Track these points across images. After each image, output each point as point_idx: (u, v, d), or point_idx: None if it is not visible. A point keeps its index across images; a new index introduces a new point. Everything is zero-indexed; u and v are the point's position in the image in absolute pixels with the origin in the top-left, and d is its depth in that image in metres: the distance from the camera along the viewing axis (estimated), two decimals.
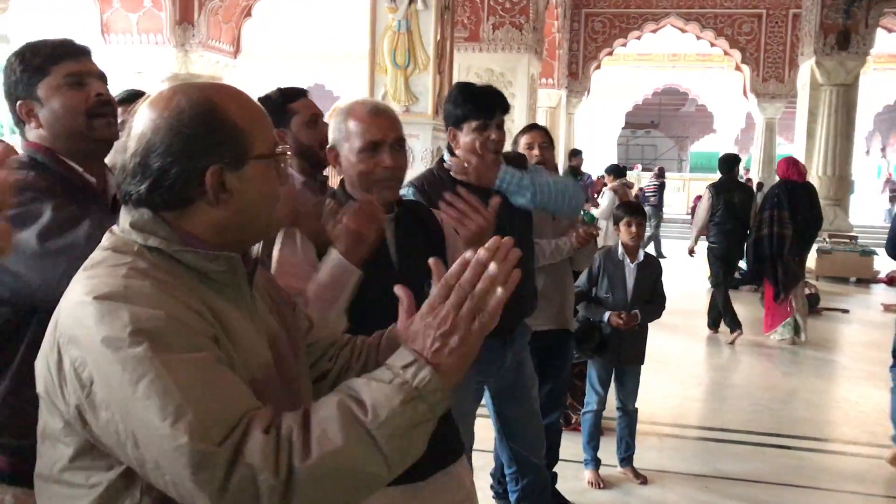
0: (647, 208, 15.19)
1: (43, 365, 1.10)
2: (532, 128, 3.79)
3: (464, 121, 2.64)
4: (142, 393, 0.98)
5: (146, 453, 0.98)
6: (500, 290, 1.06)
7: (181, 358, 1.00)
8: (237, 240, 1.19)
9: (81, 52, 1.78)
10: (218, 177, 1.13)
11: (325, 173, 2.75)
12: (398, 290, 1.21)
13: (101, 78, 1.79)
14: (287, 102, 2.57)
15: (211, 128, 1.12)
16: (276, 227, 1.24)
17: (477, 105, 2.64)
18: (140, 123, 1.13)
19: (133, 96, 2.45)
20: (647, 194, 14.88)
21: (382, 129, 1.92)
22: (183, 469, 0.96)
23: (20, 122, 1.76)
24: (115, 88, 2.35)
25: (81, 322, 1.03)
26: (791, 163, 7.23)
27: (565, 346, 3.69)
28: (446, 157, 2.71)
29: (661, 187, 15.10)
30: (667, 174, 17.96)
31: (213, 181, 1.12)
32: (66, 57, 1.73)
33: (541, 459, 3.13)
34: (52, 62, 1.72)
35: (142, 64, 10.34)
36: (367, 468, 1.00)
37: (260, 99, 2.58)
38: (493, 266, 1.06)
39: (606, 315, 3.91)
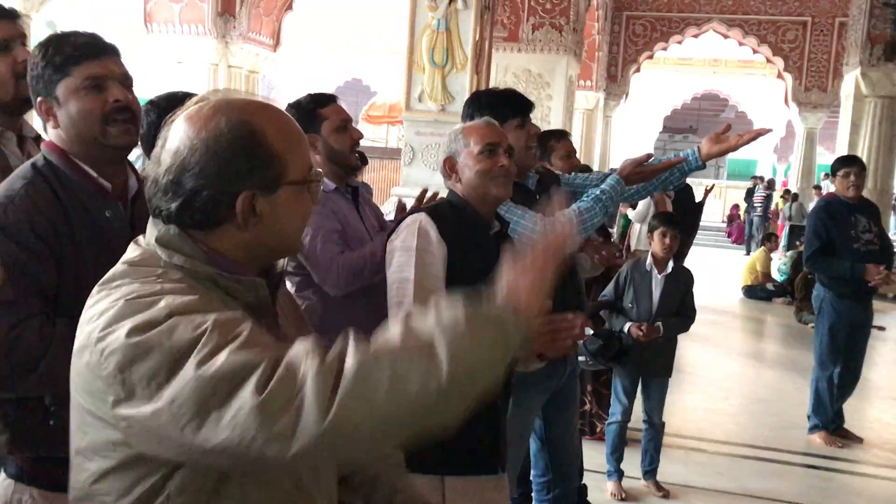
0: (754, 218, 15.40)
1: (75, 374, 1.09)
2: (565, 134, 3.75)
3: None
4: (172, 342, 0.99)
5: (187, 403, 0.96)
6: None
7: (212, 311, 1.03)
8: (263, 257, 1.19)
9: (105, 52, 1.70)
10: (249, 202, 1.12)
11: (357, 179, 2.76)
12: None
13: (124, 81, 1.72)
14: (317, 108, 2.57)
15: (247, 153, 1.11)
16: (299, 245, 1.23)
17: (498, 107, 2.70)
18: (176, 138, 1.12)
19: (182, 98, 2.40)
20: (755, 204, 15.09)
21: (497, 135, 2.21)
22: (247, 390, 0.95)
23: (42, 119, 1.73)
24: (156, 77, 2.37)
25: (115, 319, 1.03)
26: None
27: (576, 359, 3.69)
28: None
29: (768, 198, 15.46)
30: (702, 181, 17.81)
31: (244, 206, 1.12)
32: (88, 57, 1.67)
33: (576, 471, 3.19)
34: (74, 62, 1.66)
35: (182, 54, 10.44)
36: (420, 373, 0.95)
37: (290, 105, 2.58)
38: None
39: (627, 325, 3.86)
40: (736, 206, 19.67)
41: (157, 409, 0.98)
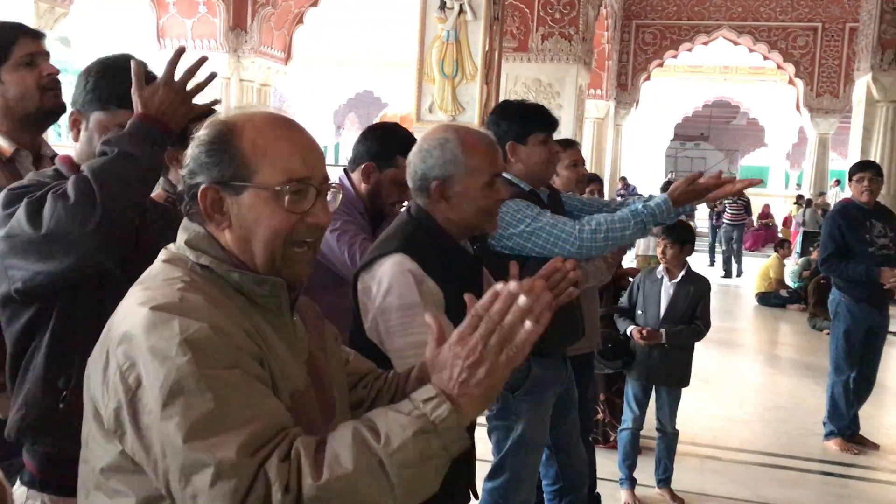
0: (722, 228, 14.64)
1: (91, 369, 1.13)
2: (572, 143, 3.72)
3: None
4: (181, 404, 1.00)
5: (172, 463, 1.00)
6: (528, 323, 1.03)
7: (223, 373, 1.03)
8: (252, 266, 1.20)
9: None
10: (213, 197, 1.17)
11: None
12: (427, 317, 1.20)
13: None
14: (400, 152, 2.38)
15: (211, 148, 1.17)
16: (291, 269, 1.21)
17: (528, 119, 2.78)
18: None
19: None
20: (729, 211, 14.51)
21: (500, 161, 1.89)
22: (205, 480, 0.98)
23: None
24: None
25: (133, 328, 1.06)
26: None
27: (590, 367, 3.71)
28: None
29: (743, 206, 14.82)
30: None
31: (206, 199, 1.16)
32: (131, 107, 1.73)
33: (586, 476, 3.18)
34: (116, 104, 1.73)
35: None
36: (374, 495, 1.00)
37: (386, 127, 2.62)
38: (522, 299, 1.04)
39: (629, 328, 3.87)
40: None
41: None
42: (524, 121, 2.73)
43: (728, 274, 13.84)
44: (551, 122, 2.78)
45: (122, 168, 1.56)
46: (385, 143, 2.52)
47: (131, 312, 1.08)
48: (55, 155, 2.12)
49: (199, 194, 1.16)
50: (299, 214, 1.17)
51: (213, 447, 0.98)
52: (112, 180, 1.54)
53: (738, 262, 14.13)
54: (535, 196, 2.75)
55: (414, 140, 2.37)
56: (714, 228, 15.11)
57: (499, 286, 1.06)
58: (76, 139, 1.76)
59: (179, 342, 1.02)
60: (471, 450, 1.89)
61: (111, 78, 1.73)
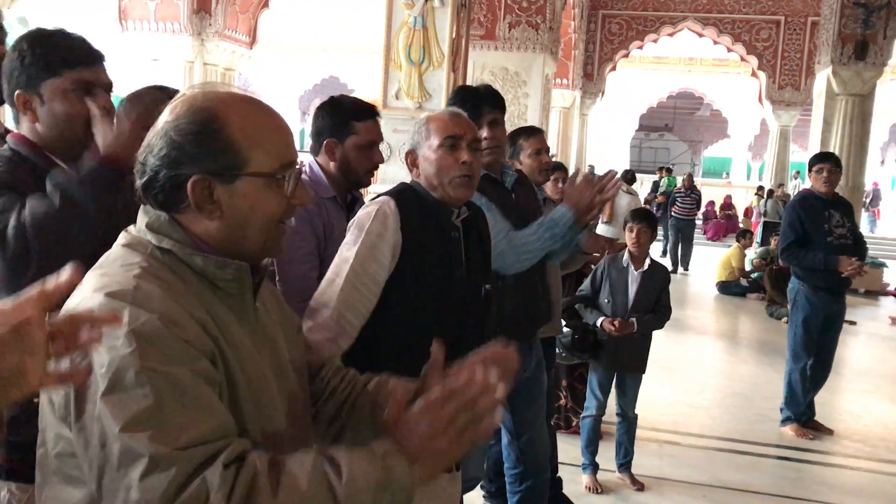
0: (672, 221, 13.38)
1: None
2: (535, 131, 3.65)
3: None
4: (119, 395, 0.99)
5: (111, 452, 0.99)
6: (499, 413, 1.09)
7: (167, 370, 1.02)
8: (236, 251, 1.18)
9: (97, 59, 1.77)
10: (203, 187, 1.13)
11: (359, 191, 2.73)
12: (392, 387, 1.28)
13: (109, 88, 1.79)
14: (353, 118, 2.49)
15: (200, 138, 1.13)
16: (276, 246, 1.23)
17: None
18: (156, 123, 1.16)
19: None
20: (680, 205, 13.50)
21: (461, 127, 2.05)
22: (139, 471, 0.97)
23: (15, 110, 1.78)
24: (131, 75, 2.37)
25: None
26: None
27: (553, 352, 3.74)
28: None
29: (694, 199, 14.09)
30: (677, 178, 17.90)
31: (196, 191, 1.13)
32: (81, 63, 1.72)
33: (547, 462, 3.19)
34: (67, 66, 1.71)
35: (158, 51, 10.35)
36: None
37: (332, 100, 2.56)
38: (500, 390, 1.08)
39: (600, 320, 3.90)
40: (711, 203, 19.82)
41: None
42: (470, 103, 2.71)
43: (674, 269, 12.55)
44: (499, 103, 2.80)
45: (65, 219, 1.61)
46: (336, 114, 2.51)
47: (85, 297, 1.07)
48: (6, 130, 2.08)
49: (189, 186, 1.12)
50: (287, 197, 1.18)
51: (149, 440, 0.98)
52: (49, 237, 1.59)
53: (686, 260, 13.18)
54: (490, 180, 2.74)
55: (362, 104, 2.54)
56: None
57: (479, 371, 1.10)
58: (33, 120, 1.73)
59: (126, 333, 1.01)
60: None
61: (49, 45, 1.71)
